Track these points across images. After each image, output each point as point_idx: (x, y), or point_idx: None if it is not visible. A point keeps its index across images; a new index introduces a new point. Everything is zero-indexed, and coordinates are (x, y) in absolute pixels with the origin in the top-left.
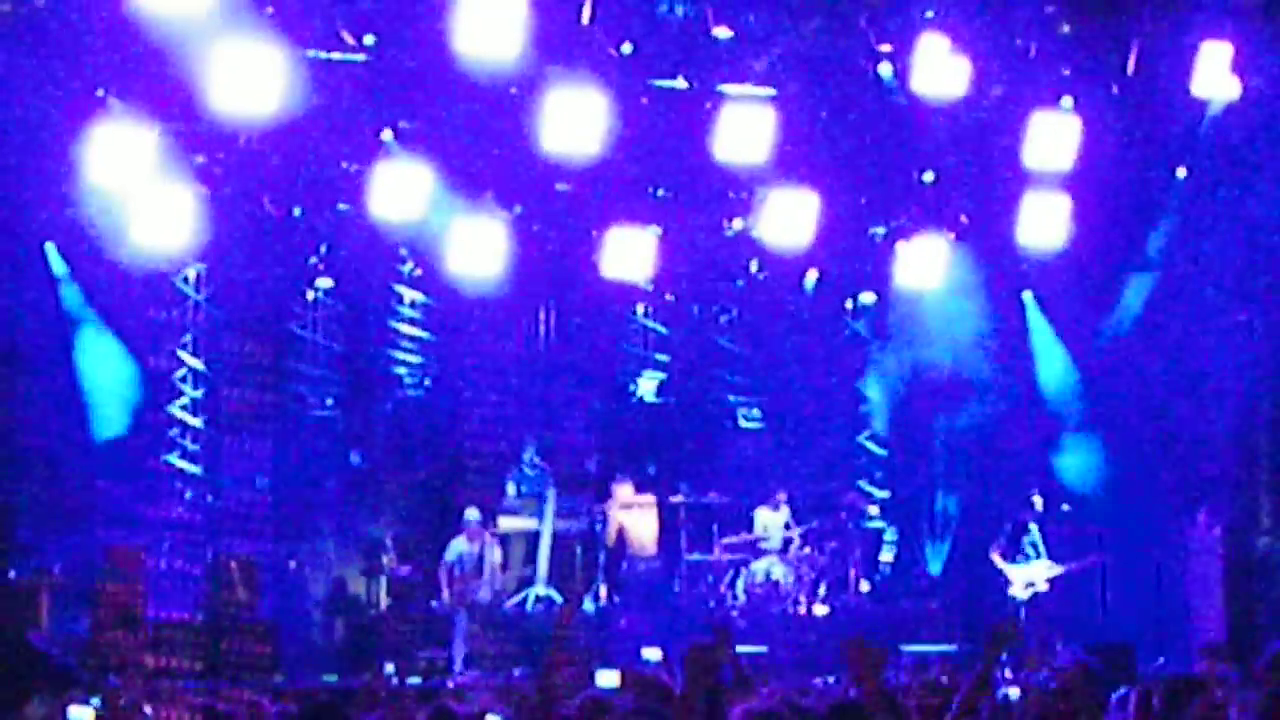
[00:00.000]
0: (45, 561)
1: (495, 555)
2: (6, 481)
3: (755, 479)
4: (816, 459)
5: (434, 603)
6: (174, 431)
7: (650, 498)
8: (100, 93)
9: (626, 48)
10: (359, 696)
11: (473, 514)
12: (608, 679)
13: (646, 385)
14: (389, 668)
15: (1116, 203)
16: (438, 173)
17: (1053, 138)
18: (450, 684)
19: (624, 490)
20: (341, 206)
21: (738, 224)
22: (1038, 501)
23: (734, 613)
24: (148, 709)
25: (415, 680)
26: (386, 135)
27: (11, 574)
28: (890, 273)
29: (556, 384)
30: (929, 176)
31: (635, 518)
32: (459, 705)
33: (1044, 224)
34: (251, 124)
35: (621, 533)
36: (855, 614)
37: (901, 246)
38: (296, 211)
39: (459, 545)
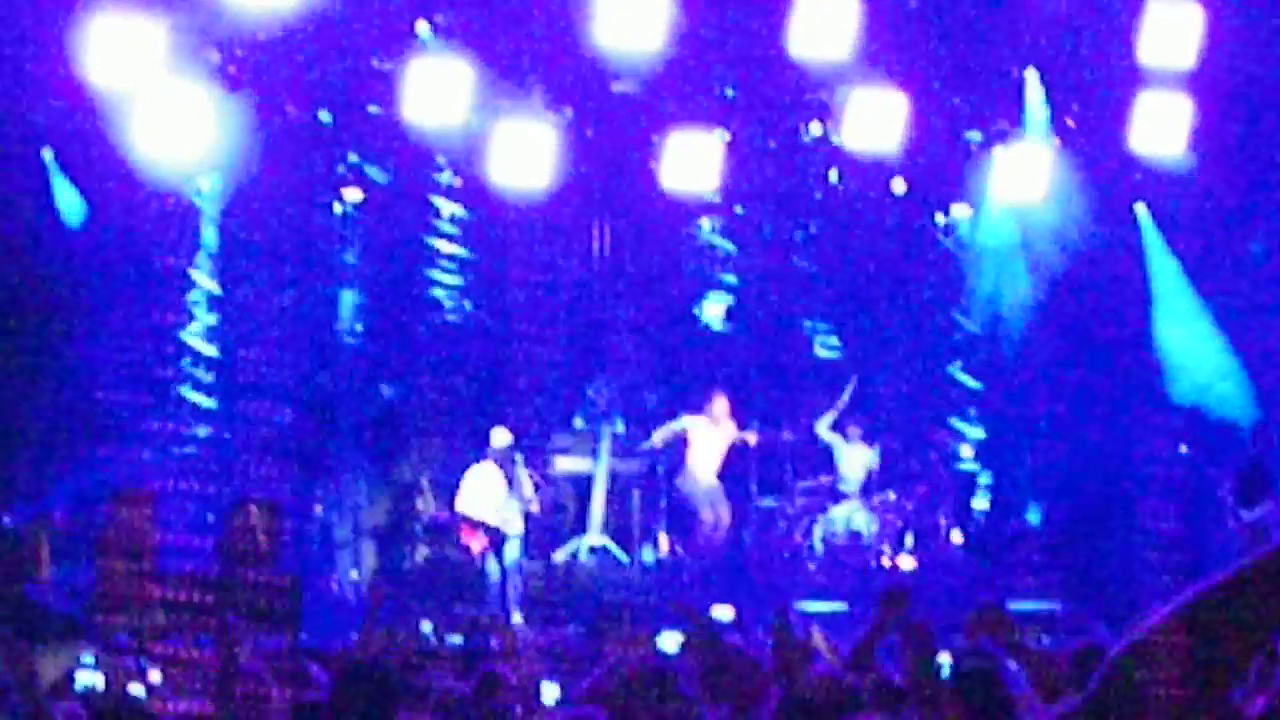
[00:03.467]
0: (46, 506)
1: (526, 485)
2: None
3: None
4: (902, 392)
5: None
6: (186, 361)
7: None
8: None
9: None
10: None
11: (501, 436)
12: (670, 641)
13: (712, 310)
14: (426, 625)
15: (1247, 108)
16: (479, 71)
17: (1172, 29)
18: (493, 643)
19: (720, 404)
20: (372, 109)
21: (815, 128)
22: None
23: (810, 565)
24: (155, 675)
25: (456, 639)
26: (422, 28)
27: (6, 520)
28: (987, 184)
29: (612, 309)
30: (1031, 74)
31: (711, 440)
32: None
33: (1161, 130)
34: (272, 17)
35: (686, 450)
36: (946, 567)
37: (1000, 154)
38: (323, 116)
39: (483, 473)
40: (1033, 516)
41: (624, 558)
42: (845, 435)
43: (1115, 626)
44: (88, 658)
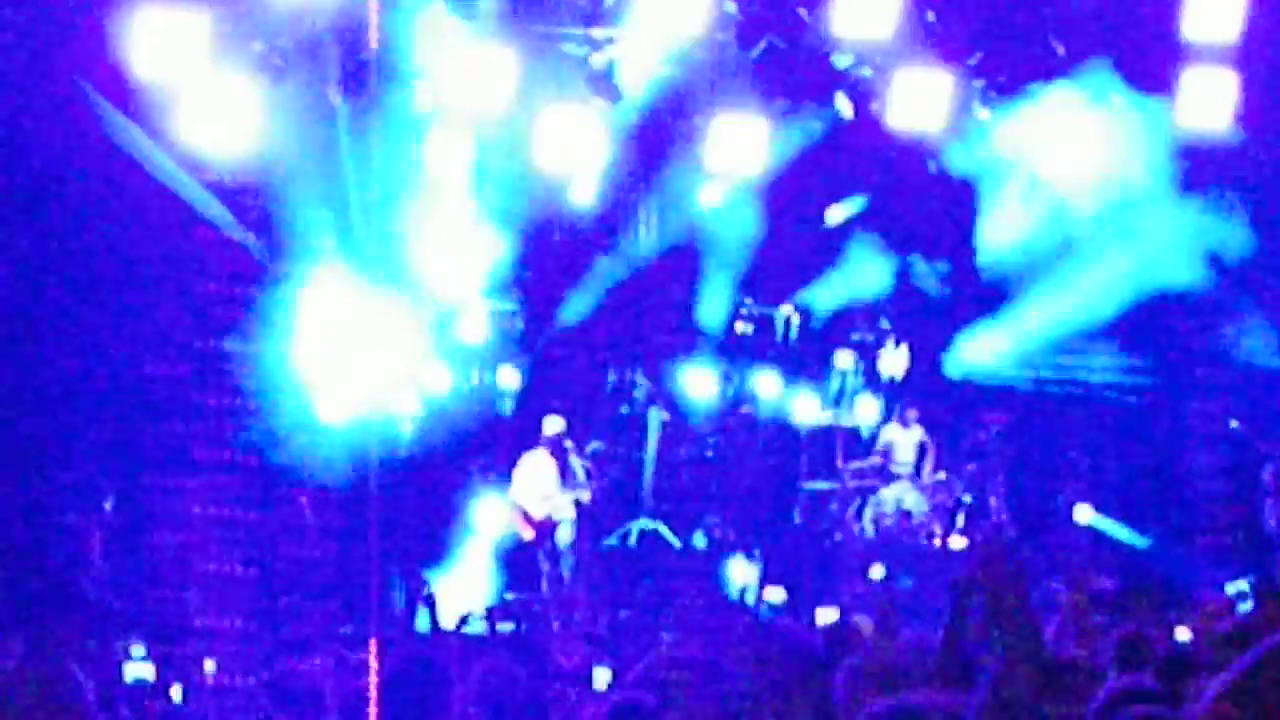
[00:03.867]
0: (97, 499)
1: (579, 472)
2: (52, 414)
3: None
4: (952, 373)
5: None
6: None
7: None
8: None
9: None
10: None
11: (553, 424)
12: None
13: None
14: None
15: None
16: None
17: (1216, 4)
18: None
19: None
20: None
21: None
22: None
23: (860, 546)
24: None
25: (508, 626)
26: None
27: (71, 517)
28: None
29: (657, 294)
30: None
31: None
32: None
33: (1207, 105)
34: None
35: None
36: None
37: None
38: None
39: (536, 460)
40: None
41: (675, 542)
42: (902, 420)
43: (1161, 611)
44: (138, 649)
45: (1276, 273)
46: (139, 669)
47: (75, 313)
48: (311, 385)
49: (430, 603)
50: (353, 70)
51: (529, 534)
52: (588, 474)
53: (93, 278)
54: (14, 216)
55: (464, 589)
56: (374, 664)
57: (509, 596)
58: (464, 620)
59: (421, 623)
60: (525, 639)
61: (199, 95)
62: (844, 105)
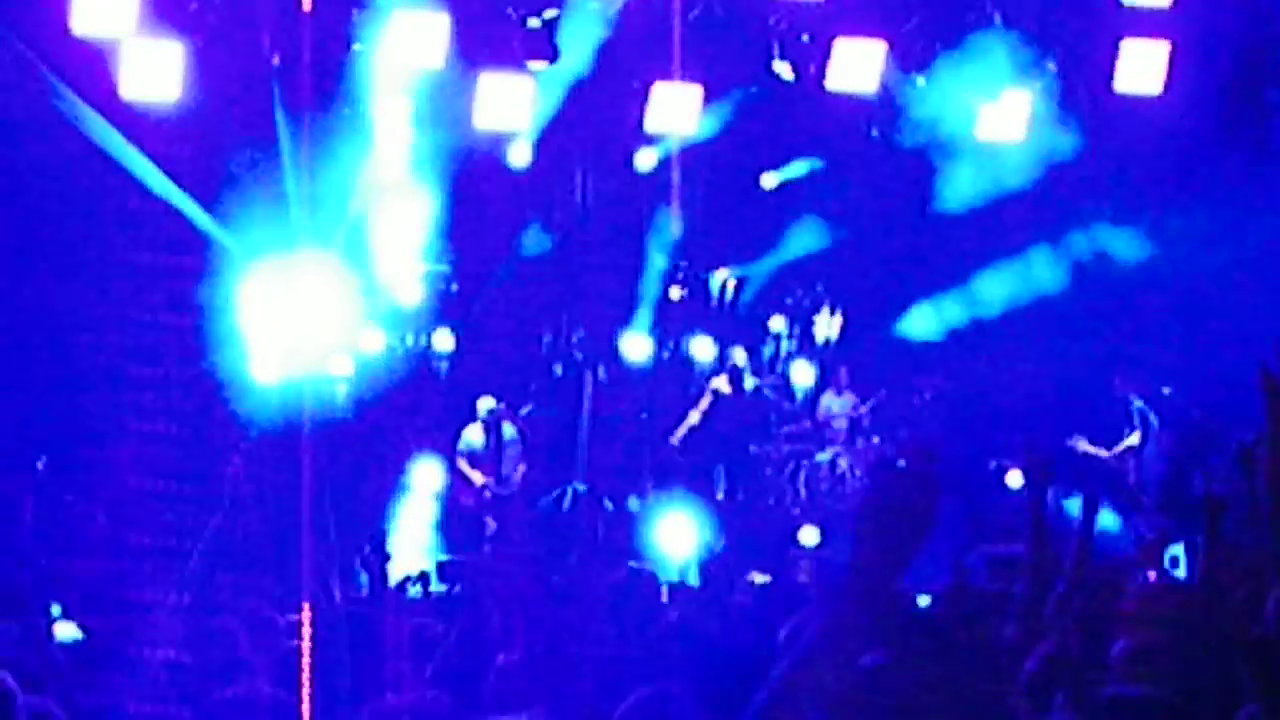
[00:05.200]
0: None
1: (513, 438)
2: None
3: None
4: (888, 340)
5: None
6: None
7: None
8: None
9: None
10: None
11: (486, 402)
12: None
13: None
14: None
15: (1220, 47)
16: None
17: None
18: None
19: None
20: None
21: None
22: None
23: (795, 510)
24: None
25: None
26: None
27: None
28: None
29: (594, 255)
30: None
31: None
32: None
33: (1142, 73)
34: None
35: None
36: None
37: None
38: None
39: (469, 435)
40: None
41: (608, 504)
42: (836, 385)
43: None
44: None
45: (1207, 243)
46: (66, 629)
47: (10, 278)
48: (247, 348)
49: (370, 565)
50: (288, 32)
51: (467, 499)
52: (521, 437)
53: (25, 241)
54: None
55: (403, 551)
56: (306, 627)
57: (445, 558)
58: (404, 582)
59: (362, 584)
60: (459, 599)
61: (134, 54)
62: (782, 69)
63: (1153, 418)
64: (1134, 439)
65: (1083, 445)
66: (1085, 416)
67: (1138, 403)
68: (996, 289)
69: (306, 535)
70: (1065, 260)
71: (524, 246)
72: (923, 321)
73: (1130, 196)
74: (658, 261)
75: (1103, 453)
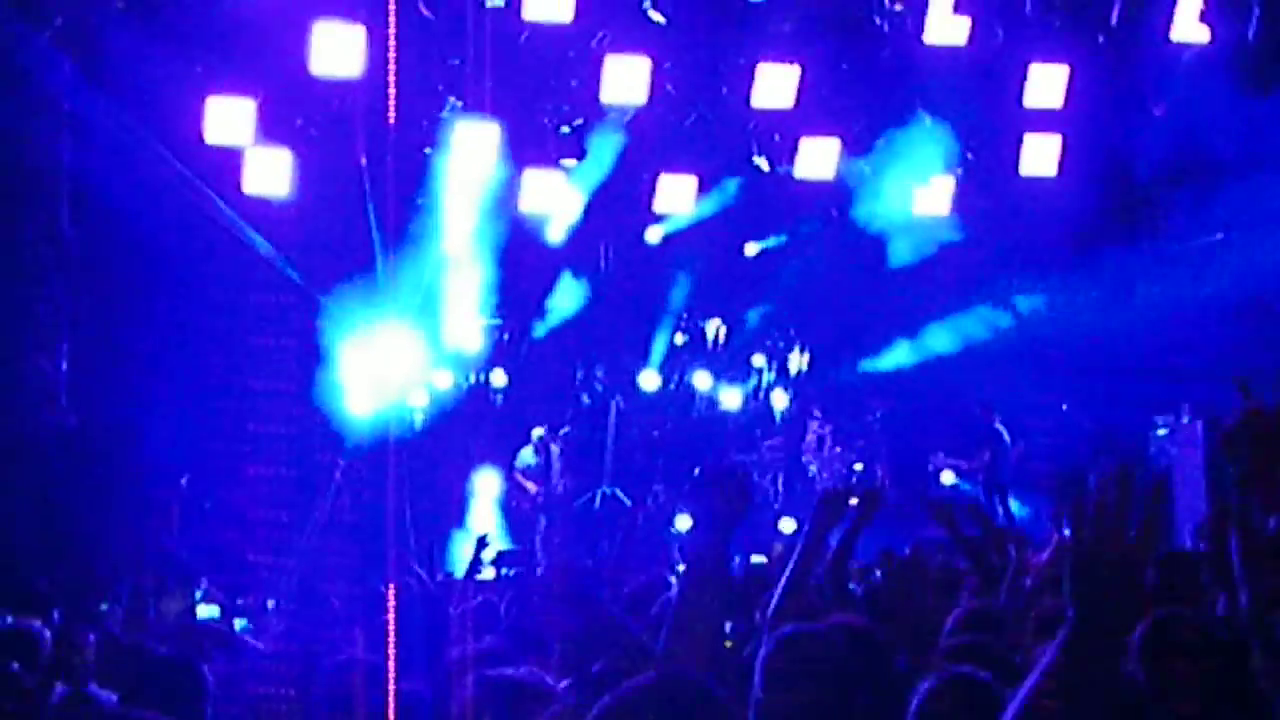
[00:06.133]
0: (174, 475)
1: (555, 456)
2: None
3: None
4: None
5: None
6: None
7: None
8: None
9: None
10: None
11: (537, 431)
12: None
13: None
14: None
15: (1106, 140)
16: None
17: (1047, 84)
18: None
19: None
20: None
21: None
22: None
23: (775, 507)
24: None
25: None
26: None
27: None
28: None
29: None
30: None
31: None
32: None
33: (1040, 160)
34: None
35: None
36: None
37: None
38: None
39: (524, 454)
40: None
41: (628, 502)
42: (806, 406)
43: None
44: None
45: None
46: (207, 608)
47: (164, 334)
48: (345, 386)
49: (440, 554)
50: (375, 139)
51: (524, 503)
52: (561, 452)
53: (175, 301)
54: (121, 248)
55: (471, 543)
56: (392, 600)
57: (507, 547)
58: (473, 567)
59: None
60: (517, 581)
61: (254, 159)
62: (760, 162)
63: (1006, 437)
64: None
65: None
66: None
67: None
68: (932, 334)
69: (392, 530)
70: (983, 313)
71: (559, 304)
72: (874, 358)
73: (1032, 262)
74: (664, 313)
75: (963, 463)
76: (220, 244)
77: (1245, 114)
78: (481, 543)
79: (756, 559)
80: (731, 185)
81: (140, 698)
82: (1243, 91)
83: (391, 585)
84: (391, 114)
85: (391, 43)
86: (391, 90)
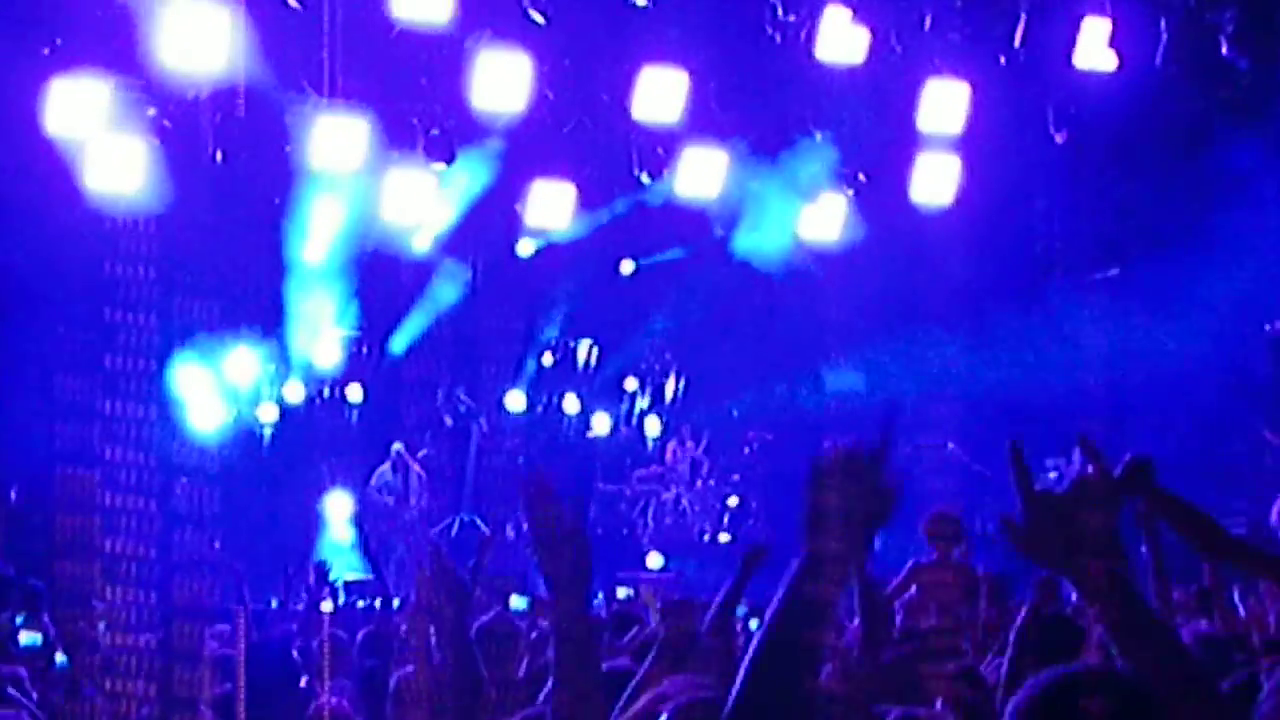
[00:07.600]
0: (3, 487)
1: (414, 477)
2: None
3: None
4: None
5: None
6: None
7: None
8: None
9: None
10: None
11: (396, 446)
12: (517, 602)
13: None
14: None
15: (1004, 166)
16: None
17: (944, 103)
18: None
19: None
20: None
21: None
22: None
23: (644, 539)
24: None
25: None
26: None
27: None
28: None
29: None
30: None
31: None
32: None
33: (935, 184)
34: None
35: None
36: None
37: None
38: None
39: (382, 472)
40: None
41: (486, 531)
42: (679, 436)
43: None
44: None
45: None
46: (29, 636)
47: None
48: (187, 401)
49: (293, 580)
50: (229, 133)
51: (382, 523)
52: (419, 477)
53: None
54: None
55: (319, 569)
56: (242, 632)
57: (357, 576)
58: (321, 596)
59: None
60: (368, 611)
61: (101, 151)
62: (641, 175)
63: None
64: None
65: None
66: None
67: None
68: (816, 363)
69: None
70: (871, 346)
71: (423, 318)
72: (753, 387)
73: (924, 291)
74: (534, 332)
75: None
76: (61, 247)
77: (1151, 145)
78: (320, 569)
79: (623, 592)
80: (611, 198)
81: None
82: (1150, 121)
83: (240, 613)
84: (241, 108)
85: (249, 31)
86: (242, 82)
